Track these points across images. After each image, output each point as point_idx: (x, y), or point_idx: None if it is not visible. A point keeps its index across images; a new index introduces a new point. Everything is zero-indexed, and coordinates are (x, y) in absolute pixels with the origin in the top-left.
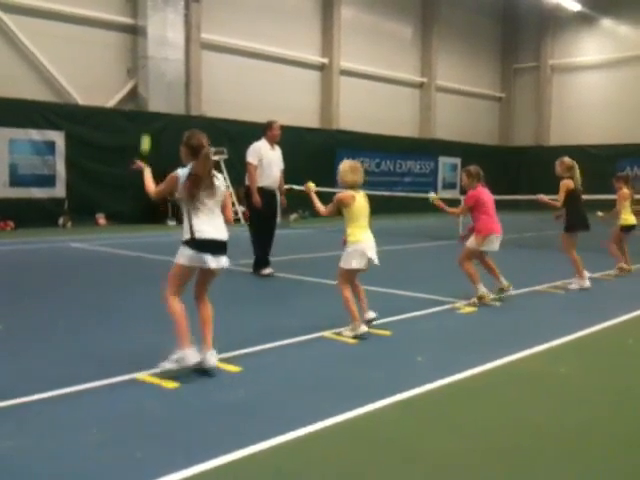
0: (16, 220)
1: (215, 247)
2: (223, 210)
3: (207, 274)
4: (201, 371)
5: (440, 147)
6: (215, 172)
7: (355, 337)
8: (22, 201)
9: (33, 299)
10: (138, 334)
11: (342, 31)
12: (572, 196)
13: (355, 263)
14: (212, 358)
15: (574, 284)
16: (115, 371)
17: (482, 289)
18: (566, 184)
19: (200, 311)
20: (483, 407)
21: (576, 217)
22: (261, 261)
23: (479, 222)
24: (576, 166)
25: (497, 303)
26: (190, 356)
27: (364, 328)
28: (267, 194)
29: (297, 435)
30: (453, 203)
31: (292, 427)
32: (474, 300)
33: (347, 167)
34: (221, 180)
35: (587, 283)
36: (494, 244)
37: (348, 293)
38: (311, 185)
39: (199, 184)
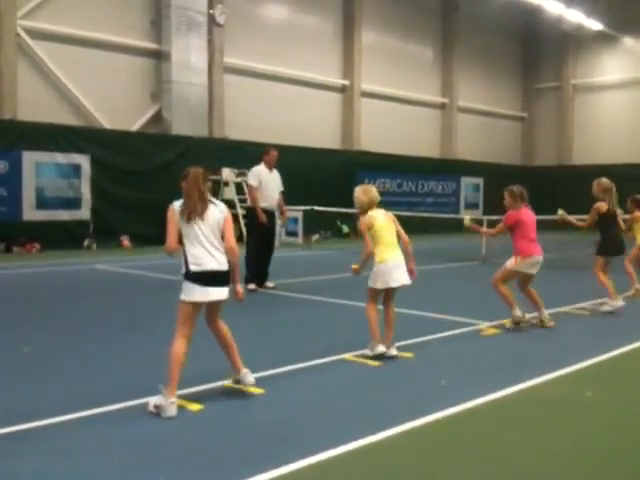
0: (42, 242)
1: (213, 278)
2: (223, 238)
3: (211, 306)
4: (228, 391)
5: (462, 167)
6: (213, 199)
7: (373, 357)
8: (48, 223)
9: (58, 321)
10: (162, 356)
11: (363, 53)
12: (605, 219)
13: (379, 283)
14: (248, 376)
15: (606, 306)
16: (140, 394)
17: (518, 313)
18: (598, 207)
19: (219, 338)
20: (509, 432)
21: (608, 241)
22: (255, 276)
23: (519, 243)
24: (613, 189)
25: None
26: (169, 409)
27: (381, 348)
28: (266, 214)
29: (318, 460)
30: (476, 223)
31: (313, 451)
32: (509, 324)
33: (359, 191)
34: (220, 206)
35: (620, 303)
36: (535, 266)
37: (373, 313)
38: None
39: (190, 207)
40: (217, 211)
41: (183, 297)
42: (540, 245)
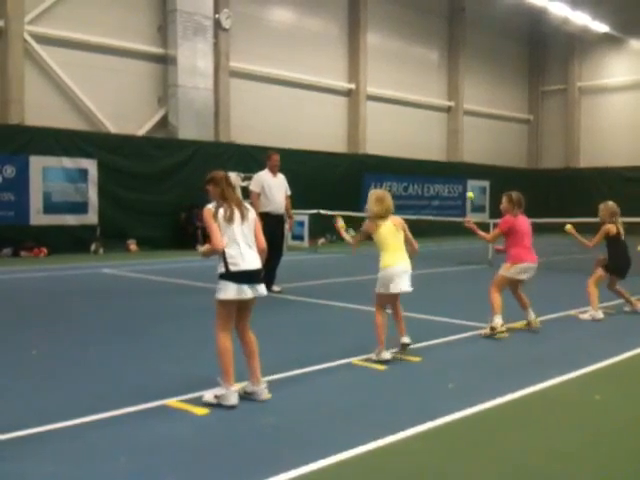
0: (49, 246)
1: (251, 277)
2: (255, 239)
3: (243, 304)
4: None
5: (468, 170)
6: (245, 203)
7: (378, 362)
8: (55, 228)
9: (66, 325)
10: (169, 360)
11: (368, 56)
12: (613, 241)
13: (383, 288)
14: (264, 392)
15: (587, 314)
16: (146, 397)
17: (497, 321)
18: (607, 229)
19: (244, 345)
20: (516, 435)
21: (616, 262)
22: (267, 280)
23: (512, 250)
24: (619, 212)
25: (506, 335)
26: (231, 397)
27: (387, 355)
28: (273, 218)
29: (325, 464)
30: (482, 227)
31: (320, 455)
32: (486, 330)
33: (373, 198)
34: (251, 210)
35: (600, 315)
36: (527, 273)
37: (379, 318)
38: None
39: (232, 208)
40: (251, 211)
41: (221, 297)
42: (535, 250)
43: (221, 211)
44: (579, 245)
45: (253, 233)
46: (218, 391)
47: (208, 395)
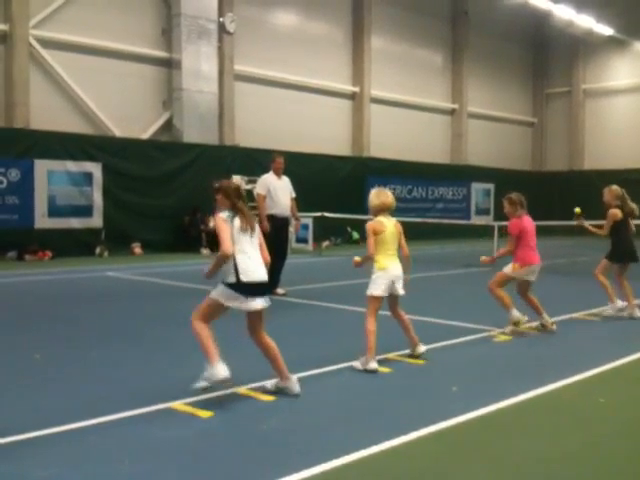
0: (54, 250)
1: (258, 288)
2: (260, 250)
3: (252, 315)
4: (238, 399)
5: (472, 173)
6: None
7: (365, 371)
8: (60, 231)
9: (69, 328)
10: (172, 363)
11: (372, 60)
12: (618, 226)
13: (380, 290)
14: (296, 385)
15: (608, 310)
16: (150, 400)
17: (515, 314)
18: (614, 213)
19: (265, 351)
20: (520, 438)
21: (622, 247)
22: (271, 283)
23: (519, 251)
24: (626, 195)
25: (533, 330)
26: (219, 371)
27: (374, 365)
28: (278, 220)
29: (327, 468)
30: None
31: (323, 459)
32: (510, 327)
33: (373, 193)
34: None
35: (619, 304)
36: (534, 274)
37: (371, 325)
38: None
39: (245, 219)
40: (256, 222)
41: (217, 297)
42: (539, 251)
43: (237, 221)
44: (592, 236)
45: (259, 244)
46: (207, 372)
47: (199, 382)
